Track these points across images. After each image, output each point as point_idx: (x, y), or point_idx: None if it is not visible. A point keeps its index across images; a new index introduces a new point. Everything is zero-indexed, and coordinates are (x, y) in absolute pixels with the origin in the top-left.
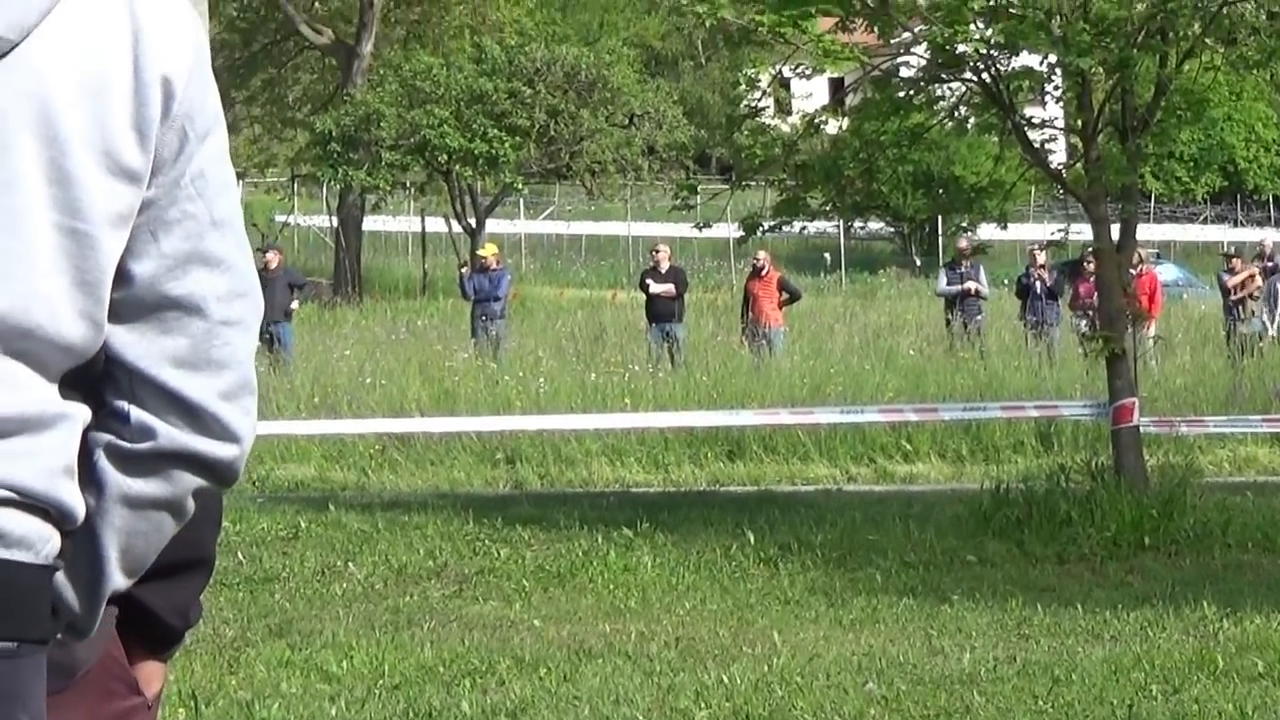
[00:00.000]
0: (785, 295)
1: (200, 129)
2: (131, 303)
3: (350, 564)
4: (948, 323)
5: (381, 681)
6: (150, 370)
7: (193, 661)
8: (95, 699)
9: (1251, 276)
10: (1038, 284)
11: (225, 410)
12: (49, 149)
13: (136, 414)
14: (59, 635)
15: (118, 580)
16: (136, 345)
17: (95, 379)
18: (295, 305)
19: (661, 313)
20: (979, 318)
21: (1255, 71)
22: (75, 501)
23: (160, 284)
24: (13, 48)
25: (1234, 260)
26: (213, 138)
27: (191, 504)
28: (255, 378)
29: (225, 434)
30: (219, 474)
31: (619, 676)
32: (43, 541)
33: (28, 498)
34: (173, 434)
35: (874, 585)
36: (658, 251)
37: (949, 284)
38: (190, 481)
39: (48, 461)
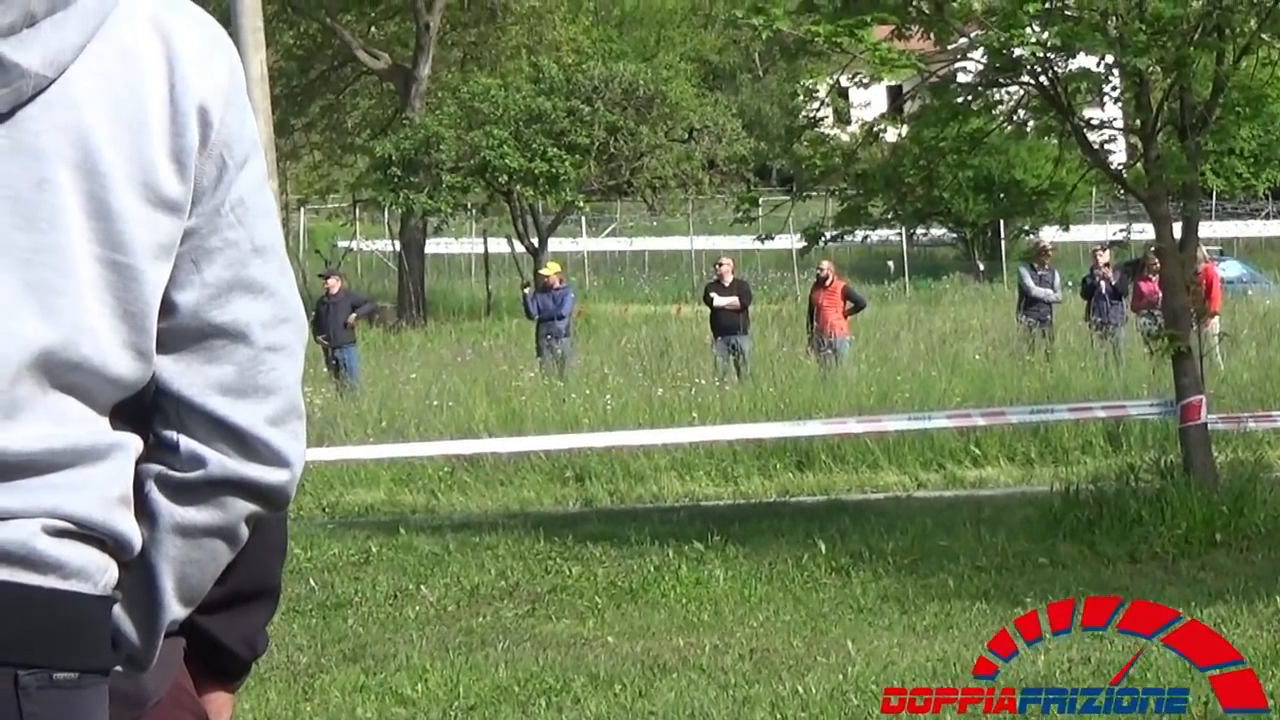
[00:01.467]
0: (850, 304)
1: (239, 156)
2: (177, 332)
3: (422, 587)
4: (1023, 322)
5: (457, 703)
6: (197, 399)
7: (268, 689)
8: None
9: None
10: (1102, 284)
11: (274, 435)
12: (88, 183)
13: (186, 443)
14: (119, 667)
15: (175, 610)
16: (183, 375)
17: (146, 410)
18: (353, 318)
19: (726, 326)
20: (1049, 319)
21: None
22: (132, 531)
23: (204, 312)
24: (49, 84)
25: None
26: (251, 164)
27: (245, 531)
28: (302, 402)
29: (275, 459)
30: (270, 499)
31: (694, 690)
32: (101, 572)
33: (85, 528)
34: (223, 461)
35: (946, 591)
36: (721, 265)
37: (1036, 285)
38: (242, 508)
39: (103, 492)
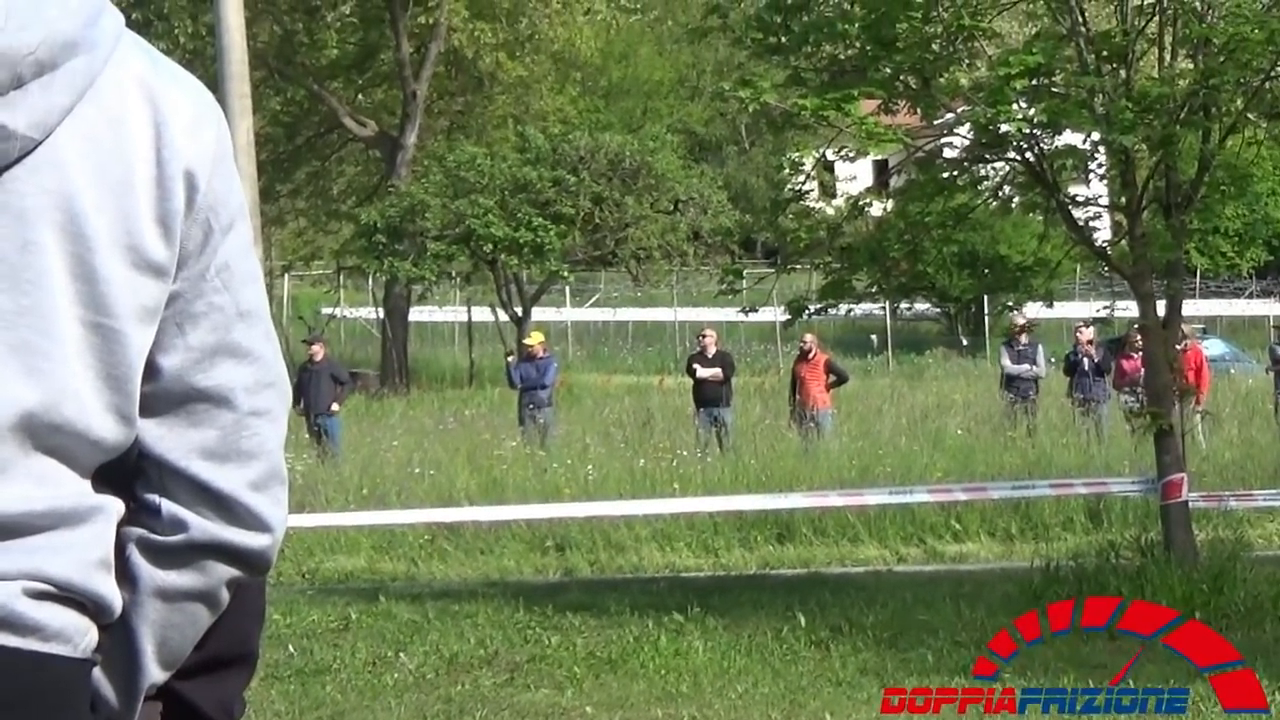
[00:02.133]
0: (832, 377)
1: (224, 221)
2: (160, 396)
3: (401, 654)
4: (1007, 399)
5: None
6: (180, 463)
7: None
8: None
9: None
10: (1085, 361)
11: (256, 500)
12: (74, 245)
13: (168, 507)
14: None
15: (154, 673)
16: (166, 438)
17: (128, 472)
18: (336, 407)
19: (709, 397)
20: (1032, 396)
21: None
22: (112, 594)
23: (188, 376)
24: (36, 146)
25: None
26: (237, 229)
27: (226, 595)
28: (285, 467)
29: (257, 524)
30: (252, 564)
31: None
32: (80, 635)
33: (65, 591)
34: (205, 526)
35: (926, 665)
36: (704, 336)
37: (1014, 363)
38: (223, 572)
39: (84, 555)
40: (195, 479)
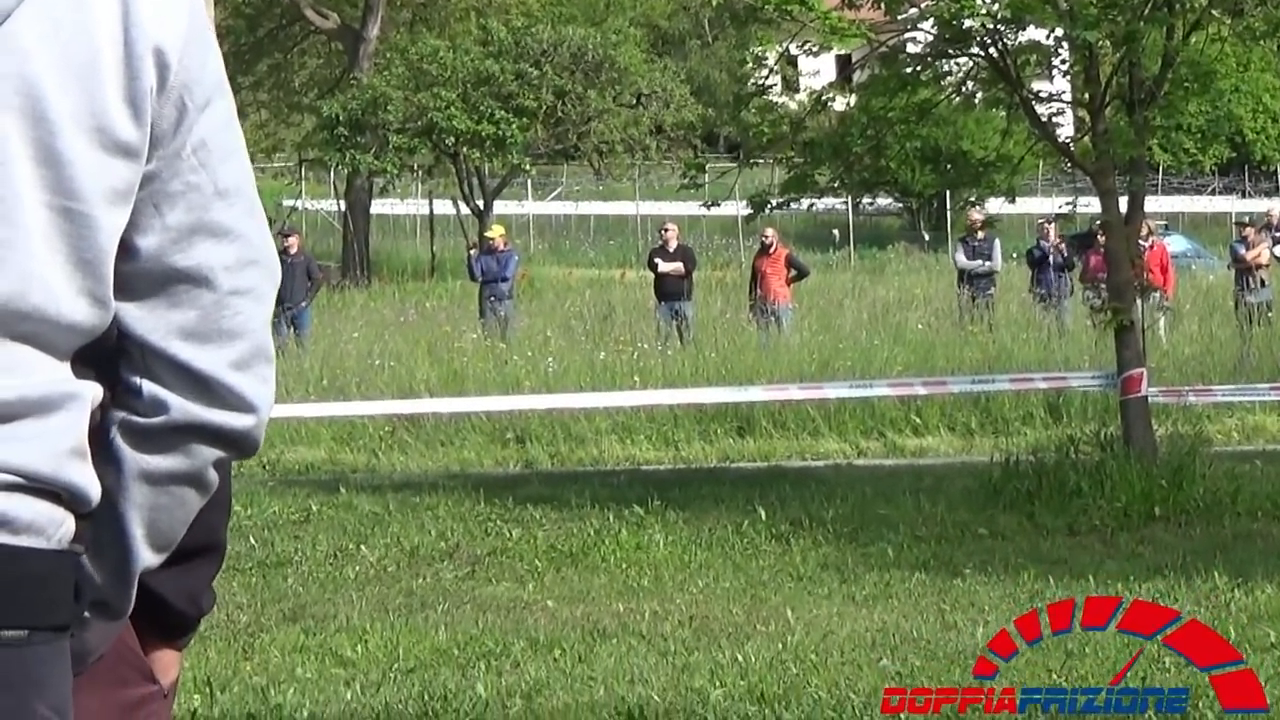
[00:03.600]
0: (793, 272)
1: (200, 98)
2: (139, 277)
3: (362, 547)
4: (960, 295)
5: (396, 665)
6: (160, 344)
7: (207, 648)
8: (109, 687)
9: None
10: (1051, 255)
11: (238, 380)
12: (36, 129)
13: (149, 388)
14: (87, 616)
15: (147, 557)
16: (146, 319)
17: (110, 355)
18: (304, 304)
19: (670, 291)
20: (990, 292)
21: (1262, 42)
22: (87, 482)
23: (166, 257)
24: None
25: (1247, 230)
26: (215, 105)
27: (214, 476)
28: (272, 345)
29: (240, 404)
30: (237, 444)
31: (633, 656)
32: (54, 526)
33: (35, 481)
34: (186, 407)
35: (886, 560)
36: (666, 230)
37: (968, 259)
38: (208, 454)
39: (54, 444)
40: (175, 360)
